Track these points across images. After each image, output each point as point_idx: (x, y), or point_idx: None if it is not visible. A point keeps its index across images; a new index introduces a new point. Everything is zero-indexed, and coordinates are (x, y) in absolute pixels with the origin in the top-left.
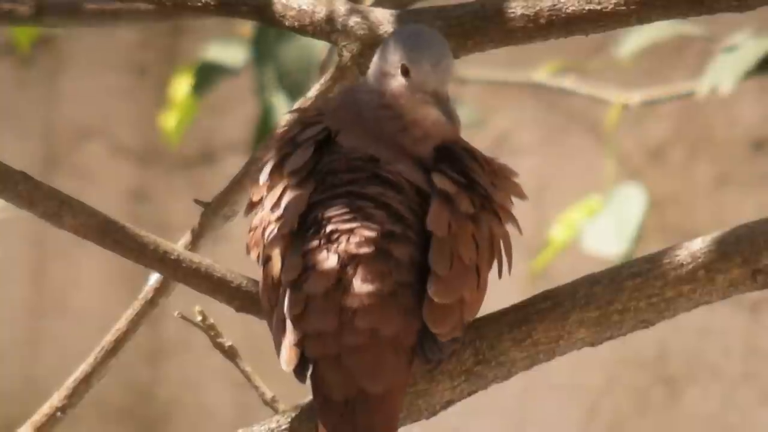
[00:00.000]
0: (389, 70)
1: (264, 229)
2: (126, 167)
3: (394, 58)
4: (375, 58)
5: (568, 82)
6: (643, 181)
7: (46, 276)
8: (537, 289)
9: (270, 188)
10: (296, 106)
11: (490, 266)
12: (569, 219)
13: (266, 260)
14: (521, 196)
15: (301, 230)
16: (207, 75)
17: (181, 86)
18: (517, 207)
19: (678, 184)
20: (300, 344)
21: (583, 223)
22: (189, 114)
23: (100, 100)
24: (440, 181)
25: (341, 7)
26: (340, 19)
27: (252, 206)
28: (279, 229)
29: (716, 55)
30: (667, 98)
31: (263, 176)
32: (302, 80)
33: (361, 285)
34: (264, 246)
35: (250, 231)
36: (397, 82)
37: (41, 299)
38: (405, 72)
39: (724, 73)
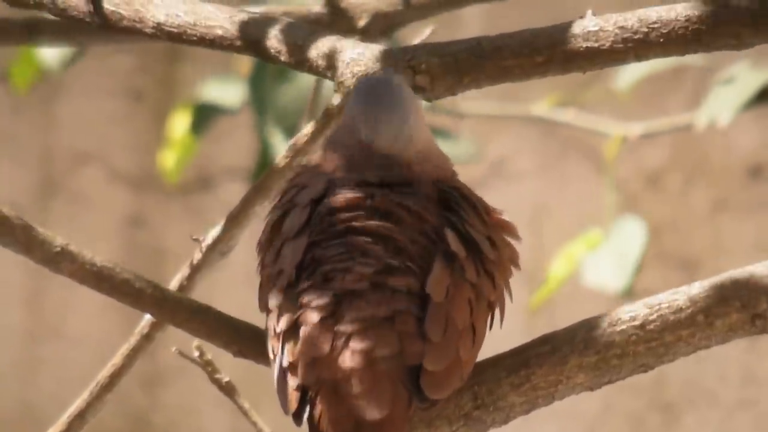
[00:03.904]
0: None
1: (266, 283)
2: (123, 193)
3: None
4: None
5: (568, 116)
6: (640, 209)
7: (43, 302)
8: (537, 323)
9: (270, 243)
10: (292, 141)
11: (485, 320)
12: (569, 253)
13: (268, 312)
14: (515, 263)
15: (299, 276)
16: (204, 115)
17: (180, 123)
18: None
19: (675, 212)
20: (299, 389)
21: (583, 257)
22: (188, 153)
23: (96, 126)
24: (454, 244)
25: (337, 44)
26: (336, 56)
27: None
28: (278, 283)
29: (714, 87)
30: (667, 130)
31: (263, 235)
32: (299, 122)
33: (355, 311)
34: (267, 299)
35: (260, 287)
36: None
37: (38, 325)
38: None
39: (722, 105)
